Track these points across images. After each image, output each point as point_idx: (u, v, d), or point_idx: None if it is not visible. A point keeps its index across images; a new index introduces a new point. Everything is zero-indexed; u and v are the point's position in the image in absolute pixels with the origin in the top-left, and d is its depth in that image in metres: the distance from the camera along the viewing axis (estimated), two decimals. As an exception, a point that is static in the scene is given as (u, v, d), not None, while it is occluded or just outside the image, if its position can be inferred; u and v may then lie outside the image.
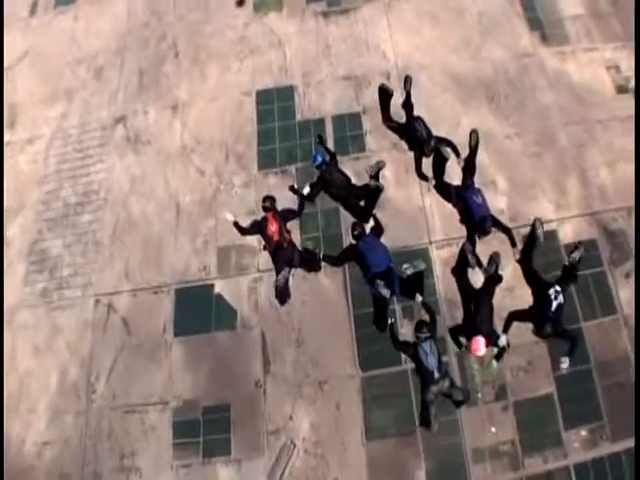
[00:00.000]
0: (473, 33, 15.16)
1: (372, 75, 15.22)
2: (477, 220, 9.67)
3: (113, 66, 17.71)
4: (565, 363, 9.46)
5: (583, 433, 11.10)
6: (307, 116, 15.29)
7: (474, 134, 10.37)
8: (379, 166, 10.58)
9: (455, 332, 9.57)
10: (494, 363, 9.97)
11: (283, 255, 9.93)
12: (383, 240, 10.67)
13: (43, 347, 14.08)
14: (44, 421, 13.38)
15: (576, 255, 9.44)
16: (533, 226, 9.74)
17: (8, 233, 15.59)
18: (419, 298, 9.32)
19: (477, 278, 9.99)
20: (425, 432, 10.35)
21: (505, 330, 9.45)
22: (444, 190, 10.63)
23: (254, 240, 13.43)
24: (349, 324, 12.73)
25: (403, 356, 11.59)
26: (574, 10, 15.87)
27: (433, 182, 10.80)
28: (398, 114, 11.42)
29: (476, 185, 10.76)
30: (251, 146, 15.32)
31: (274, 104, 15.29)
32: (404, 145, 12.26)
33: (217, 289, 13.85)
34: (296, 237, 12.55)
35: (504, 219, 11.95)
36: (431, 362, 8.55)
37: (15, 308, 14.54)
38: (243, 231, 10.32)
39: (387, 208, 13.10)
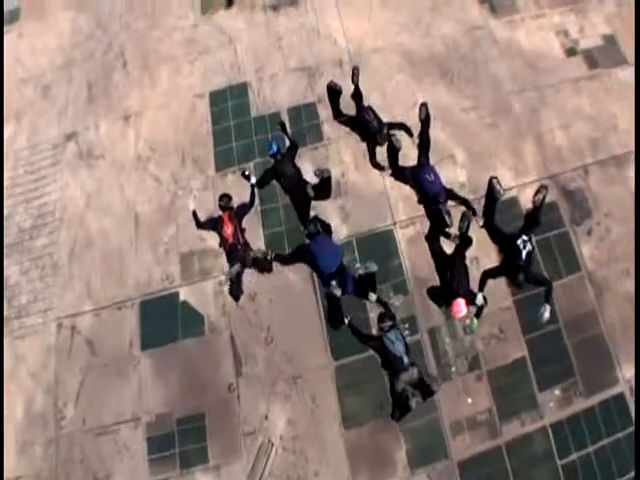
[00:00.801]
0: (423, 11, 16.08)
1: (325, 64, 16.20)
2: (431, 197, 10.58)
3: (60, 82, 18.59)
4: (546, 311, 10.02)
5: (557, 392, 12.00)
6: (262, 111, 16.13)
7: (423, 107, 11.09)
8: (324, 175, 11.30)
9: (433, 294, 10.46)
10: (475, 321, 10.65)
11: (237, 256, 10.65)
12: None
13: (6, 379, 14.52)
14: (13, 455, 13.84)
15: (539, 197, 10.26)
16: (490, 183, 10.65)
17: None
18: (373, 297, 10.00)
19: (448, 247, 10.75)
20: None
21: (481, 289, 10.23)
22: (401, 176, 11.47)
23: (216, 243, 13.37)
24: (318, 315, 13.41)
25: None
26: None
27: (389, 171, 11.67)
28: (349, 106, 12.43)
29: (432, 161, 11.81)
30: (207, 148, 16.09)
31: (228, 103, 16.16)
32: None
33: (182, 296, 14.53)
34: (258, 232, 14.15)
35: (465, 192, 13.18)
36: (399, 348, 9.23)
37: None
38: (199, 224, 11.12)
39: (349, 194, 13.99)
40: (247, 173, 11.90)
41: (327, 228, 10.90)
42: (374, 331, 10.86)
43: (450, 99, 15.01)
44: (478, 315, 10.19)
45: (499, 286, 12.18)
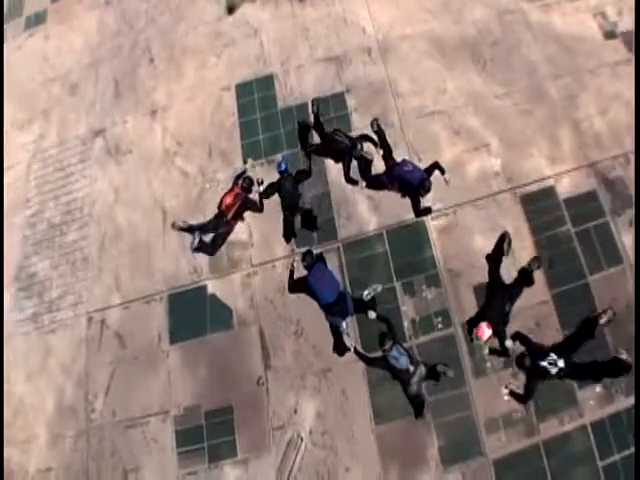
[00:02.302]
0: None
1: (353, 52, 15.45)
2: (417, 185, 10.69)
3: (87, 80, 18.20)
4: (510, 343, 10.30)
5: (598, 389, 11.20)
6: (289, 103, 15.52)
7: (375, 122, 11.71)
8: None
9: (470, 323, 10.52)
10: (486, 349, 10.68)
11: (214, 222, 12.05)
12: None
13: (37, 372, 14.32)
14: (44, 447, 13.64)
15: (535, 266, 10.55)
16: (502, 237, 10.67)
17: None
18: (372, 315, 10.18)
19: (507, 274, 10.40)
20: (435, 408, 11.15)
21: (512, 338, 10.35)
22: (377, 184, 11.65)
23: (244, 235, 14.03)
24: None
25: (408, 333, 12.22)
26: (554, -40, 15.50)
27: (364, 184, 11.90)
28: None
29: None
30: (234, 141, 15.56)
31: (254, 95, 15.61)
32: (390, 119, 13.51)
33: (210, 290, 14.08)
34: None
35: (500, 181, 12.88)
36: (403, 362, 9.49)
37: (6, 334, 14.84)
38: None
39: None
40: (260, 181, 12.57)
41: (321, 257, 11.05)
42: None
43: (483, 86, 14.19)
44: (493, 352, 10.56)
45: (537, 278, 11.50)
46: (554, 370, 9.62)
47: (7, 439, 13.70)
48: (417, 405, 10.09)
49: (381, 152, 11.54)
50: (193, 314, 14.01)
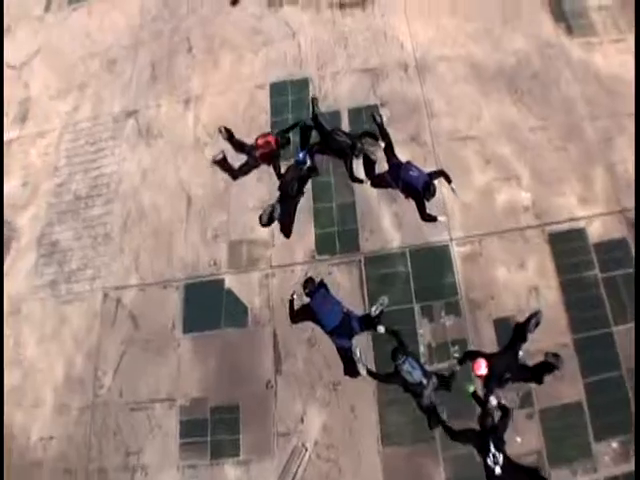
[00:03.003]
0: (493, 23, 13.58)
1: (390, 67, 13.70)
2: (422, 189, 9.43)
3: (126, 59, 16.36)
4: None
5: (614, 445, 9.65)
6: (322, 109, 13.27)
7: (375, 114, 10.37)
8: None
9: (467, 354, 9.16)
10: (471, 387, 8.81)
11: (252, 155, 10.66)
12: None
13: (49, 338, 12.96)
14: (49, 415, 12.25)
15: (534, 322, 8.80)
16: (530, 319, 8.87)
17: (19, 223, 14.65)
18: (381, 329, 8.85)
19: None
20: (444, 439, 9.36)
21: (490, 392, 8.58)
22: (382, 182, 10.29)
23: (266, 234, 12.67)
24: None
25: (423, 359, 10.68)
26: (601, 0, 13.83)
27: (368, 182, 10.49)
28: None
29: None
30: None
31: (288, 96, 13.91)
32: (422, 138, 11.81)
33: (227, 284, 12.55)
34: (310, 230, 12.35)
35: (529, 216, 11.35)
36: (417, 376, 8.26)
37: (23, 298, 13.54)
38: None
39: (405, 202, 11.32)
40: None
41: (321, 284, 9.55)
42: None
43: (518, 117, 12.60)
44: (477, 401, 8.73)
45: (557, 320, 10.46)
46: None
47: (14, 401, 12.46)
48: (430, 416, 8.70)
49: (382, 145, 10.23)
50: (208, 306, 12.48)
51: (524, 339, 8.57)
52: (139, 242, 13.57)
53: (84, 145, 15.31)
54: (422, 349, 10.53)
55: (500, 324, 10.44)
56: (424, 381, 8.23)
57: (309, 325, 10.38)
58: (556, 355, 8.05)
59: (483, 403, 8.48)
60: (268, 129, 13.38)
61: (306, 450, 10.64)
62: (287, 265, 12.17)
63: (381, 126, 10.31)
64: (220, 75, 15.22)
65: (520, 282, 10.72)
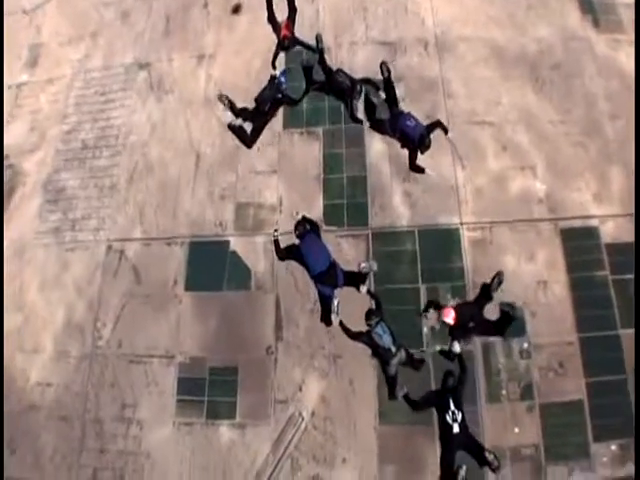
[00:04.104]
0: (518, 7, 12.19)
1: (409, 42, 12.28)
2: (416, 140, 8.65)
3: (140, 10, 14.71)
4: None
5: (613, 448, 8.86)
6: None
7: (384, 66, 9.10)
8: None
9: (432, 302, 8.51)
10: (438, 348, 8.57)
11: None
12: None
13: (51, 284, 11.92)
14: (48, 361, 11.31)
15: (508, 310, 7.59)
16: (493, 279, 7.87)
17: (25, 167, 13.44)
18: (363, 289, 8.17)
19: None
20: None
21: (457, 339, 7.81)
22: (380, 127, 9.31)
23: (274, 199, 11.61)
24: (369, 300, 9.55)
25: (425, 340, 9.78)
26: (629, -3, 11.63)
27: (368, 123, 9.52)
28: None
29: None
30: None
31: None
32: (438, 117, 10.22)
33: (232, 246, 11.42)
34: (318, 199, 11.18)
35: (542, 208, 10.31)
36: (386, 340, 7.63)
37: (27, 242, 12.47)
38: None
39: (418, 181, 10.77)
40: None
41: (315, 227, 8.60)
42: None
43: (538, 107, 11.29)
44: (445, 355, 8.13)
45: (564, 317, 9.52)
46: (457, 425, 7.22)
47: (15, 344, 11.55)
48: (391, 386, 7.93)
49: (383, 96, 9.28)
50: (212, 266, 11.38)
51: (489, 298, 7.85)
52: (145, 196, 12.37)
53: (94, 94, 13.85)
54: (425, 330, 9.72)
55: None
56: (392, 349, 7.61)
57: (312, 295, 9.63)
58: (510, 305, 7.39)
59: (450, 357, 7.92)
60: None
61: (303, 419, 9.78)
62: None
63: (388, 79, 9.19)
64: (235, 35, 13.72)
65: (529, 274, 9.79)
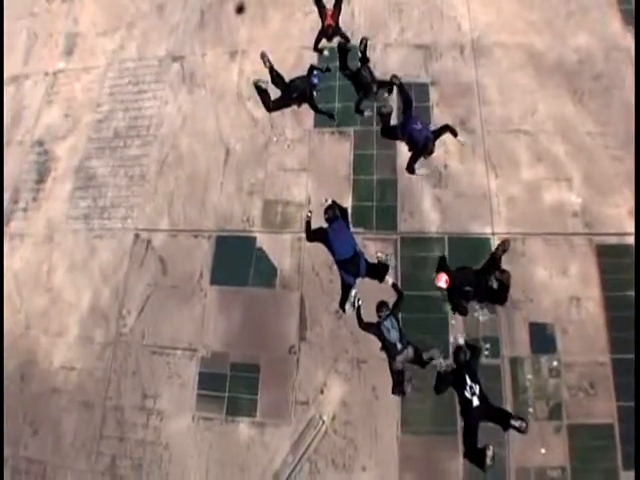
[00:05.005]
0: (557, 14, 11.11)
1: (444, 46, 11.27)
2: (421, 144, 8.28)
3: (175, 3, 13.76)
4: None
5: None
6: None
7: (395, 78, 8.94)
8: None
9: (440, 264, 7.86)
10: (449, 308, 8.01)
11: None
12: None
13: (79, 269, 11.18)
14: (72, 346, 10.58)
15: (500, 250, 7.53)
16: (498, 247, 7.60)
17: (57, 152, 12.70)
18: (389, 281, 7.89)
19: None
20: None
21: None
22: (390, 133, 9.02)
23: (303, 197, 10.70)
24: None
25: (451, 349, 8.61)
26: (676, 10, 10.57)
27: (368, 114, 9.88)
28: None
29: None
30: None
31: (336, 63, 10.85)
32: (471, 125, 10.03)
33: (259, 243, 10.55)
34: (347, 200, 10.24)
35: (577, 222, 9.33)
36: (393, 336, 7.28)
37: (57, 225, 11.77)
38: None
39: (449, 187, 9.90)
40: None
41: (344, 213, 8.12)
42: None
43: (576, 118, 10.23)
44: (457, 310, 7.86)
45: (597, 337, 8.56)
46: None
47: (40, 326, 10.88)
48: (396, 382, 7.50)
49: (392, 104, 9.35)
50: (238, 261, 10.52)
51: (496, 267, 7.32)
52: (174, 187, 11.52)
53: (127, 84, 13.00)
54: (452, 339, 8.83)
55: (535, 328, 8.69)
56: (399, 345, 7.25)
57: (338, 297, 8.58)
58: (503, 271, 7.15)
59: (459, 306, 7.68)
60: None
61: (323, 423, 9.00)
62: (321, 231, 9.50)
63: (401, 86, 8.88)
64: (268, 31, 12.77)
65: (561, 289, 8.89)
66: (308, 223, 8.15)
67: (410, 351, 7.33)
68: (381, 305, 7.49)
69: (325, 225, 7.92)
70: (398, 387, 7.51)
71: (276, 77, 9.32)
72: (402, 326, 7.39)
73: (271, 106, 9.43)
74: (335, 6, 9.98)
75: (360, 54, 9.42)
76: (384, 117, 8.75)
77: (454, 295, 7.60)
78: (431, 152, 8.46)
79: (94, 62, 13.51)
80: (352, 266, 7.79)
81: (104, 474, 9.47)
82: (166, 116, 12.30)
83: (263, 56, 9.20)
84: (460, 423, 7.86)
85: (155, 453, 9.44)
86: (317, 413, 8.77)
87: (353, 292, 7.87)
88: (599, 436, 8.00)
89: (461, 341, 7.62)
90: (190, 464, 9.18)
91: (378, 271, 7.87)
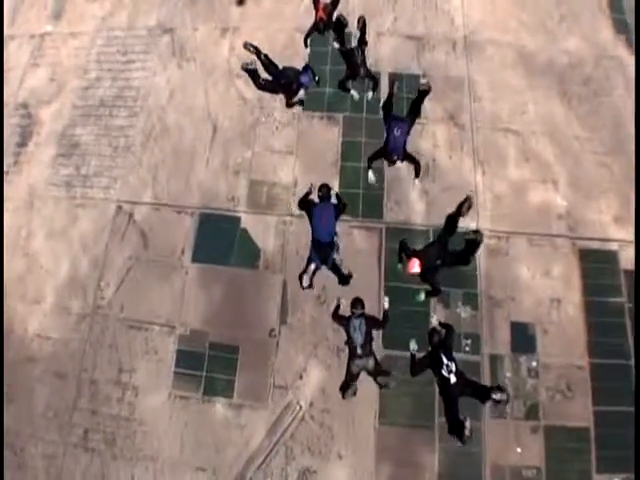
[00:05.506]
0: (550, 16, 10.15)
1: (437, 39, 10.02)
2: (388, 151, 7.26)
3: (169, -26, 11.39)
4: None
5: None
6: None
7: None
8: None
9: (402, 249, 7.07)
10: (422, 295, 7.34)
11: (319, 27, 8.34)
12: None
13: (58, 236, 9.69)
14: (48, 315, 9.13)
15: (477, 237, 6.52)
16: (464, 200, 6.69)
17: (41, 117, 10.93)
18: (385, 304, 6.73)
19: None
20: (444, 431, 6.45)
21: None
22: (385, 116, 7.52)
23: (289, 179, 9.43)
24: (378, 296, 8.22)
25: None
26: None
27: (351, 92, 8.81)
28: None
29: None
30: None
31: (328, 48, 10.06)
32: (461, 120, 8.96)
33: (243, 223, 9.27)
34: (334, 186, 8.86)
35: (562, 225, 8.31)
36: (356, 338, 6.41)
37: (38, 191, 10.18)
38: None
39: (436, 181, 8.80)
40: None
41: (341, 204, 7.09)
42: None
43: (564, 121, 9.26)
44: (429, 295, 7.26)
45: (576, 340, 7.70)
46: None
47: (16, 293, 9.35)
48: (344, 384, 6.67)
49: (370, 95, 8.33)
50: (221, 240, 9.23)
51: (454, 230, 6.70)
52: (158, 160, 10.05)
53: (115, 53, 11.27)
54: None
55: (516, 328, 7.83)
56: (359, 350, 6.37)
57: (322, 283, 7.82)
58: (475, 231, 6.53)
59: (436, 289, 6.99)
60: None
61: (300, 408, 7.98)
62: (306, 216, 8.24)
63: (422, 96, 7.53)
64: (261, 9, 11.16)
65: (543, 290, 8.04)
66: (307, 193, 7.23)
67: (370, 362, 6.43)
68: (356, 302, 6.55)
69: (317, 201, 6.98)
70: (342, 389, 6.64)
71: (266, 62, 8.14)
72: (370, 336, 6.45)
73: (259, 85, 8.29)
74: (332, 3, 8.65)
75: (359, 33, 8.22)
76: (420, 94, 7.45)
77: (427, 275, 6.79)
78: (393, 162, 7.43)
79: (82, 28, 11.72)
80: (323, 252, 6.87)
81: (76, 446, 8.31)
82: (154, 88, 10.75)
83: (245, 45, 7.99)
84: (438, 419, 7.19)
85: (129, 428, 8.28)
86: (295, 398, 7.70)
87: (312, 266, 6.90)
88: (575, 439, 7.31)
89: (435, 322, 6.79)
90: (164, 442, 8.09)
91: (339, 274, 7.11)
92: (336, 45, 8.45)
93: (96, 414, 8.37)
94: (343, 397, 6.68)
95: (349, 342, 6.49)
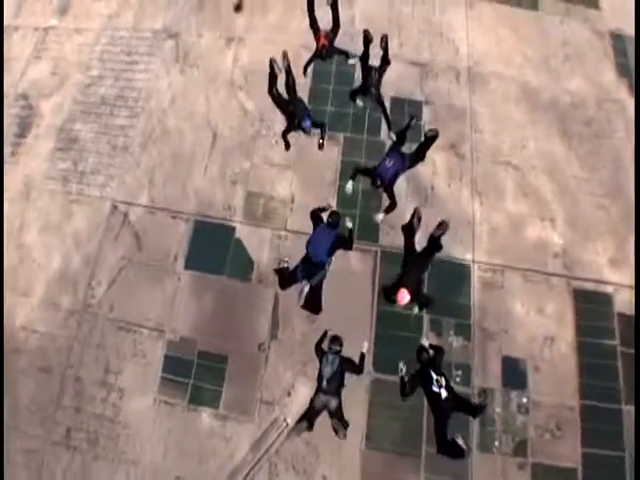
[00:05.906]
0: (554, 54, 9.43)
1: (441, 67, 9.38)
2: (376, 173, 6.66)
3: (176, -22, 10.58)
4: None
5: None
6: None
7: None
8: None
9: (385, 290, 6.42)
10: (416, 309, 6.72)
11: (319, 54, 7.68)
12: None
13: (51, 231, 8.74)
14: (37, 308, 8.20)
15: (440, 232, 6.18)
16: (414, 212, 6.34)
17: (42, 109, 9.86)
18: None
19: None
20: (431, 460, 6.26)
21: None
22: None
23: (287, 194, 8.55)
24: (370, 319, 7.53)
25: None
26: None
27: (361, 103, 7.92)
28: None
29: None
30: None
31: (333, 67, 9.36)
32: (462, 150, 8.23)
33: (238, 234, 8.41)
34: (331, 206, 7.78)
35: (558, 263, 7.64)
36: (325, 372, 5.79)
37: (34, 182, 9.19)
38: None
39: (434, 208, 8.08)
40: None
41: (345, 240, 6.39)
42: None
43: (564, 160, 8.49)
44: (421, 307, 6.70)
45: (567, 380, 6.91)
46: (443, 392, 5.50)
47: (6, 285, 8.29)
48: (303, 415, 5.96)
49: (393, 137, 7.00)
50: (215, 249, 8.32)
51: (439, 248, 6.24)
52: (156, 163, 9.14)
53: (119, 53, 10.26)
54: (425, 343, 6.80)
55: (508, 362, 7.14)
56: (324, 384, 5.76)
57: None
58: (441, 223, 6.13)
59: (428, 301, 6.59)
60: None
61: (287, 425, 7.19)
62: (302, 232, 8.02)
63: (431, 143, 6.85)
64: (267, 22, 10.24)
65: (537, 327, 7.36)
66: (321, 209, 6.66)
67: (333, 402, 5.80)
68: (334, 340, 5.94)
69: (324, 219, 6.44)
70: (298, 423, 6.01)
71: (290, 82, 7.45)
72: (341, 377, 5.84)
73: (271, 92, 7.63)
74: (332, 29, 8.07)
75: (383, 52, 7.65)
76: (427, 139, 6.79)
77: (416, 295, 6.27)
78: (377, 187, 6.87)
79: (88, 24, 10.66)
80: (311, 270, 6.31)
81: (58, 444, 7.50)
82: (156, 91, 9.84)
83: (284, 55, 7.35)
84: (425, 448, 6.56)
85: (112, 430, 7.49)
86: (282, 415, 7.06)
87: (306, 288, 6.31)
88: (562, 479, 6.57)
89: (425, 343, 6.09)
90: (147, 447, 7.33)
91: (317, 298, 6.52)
92: (352, 62, 7.97)
93: (80, 412, 7.56)
94: (292, 428, 6.08)
95: (318, 374, 5.89)
